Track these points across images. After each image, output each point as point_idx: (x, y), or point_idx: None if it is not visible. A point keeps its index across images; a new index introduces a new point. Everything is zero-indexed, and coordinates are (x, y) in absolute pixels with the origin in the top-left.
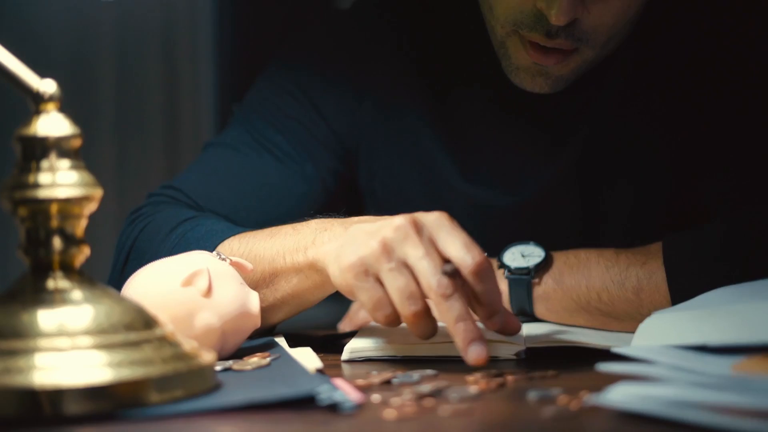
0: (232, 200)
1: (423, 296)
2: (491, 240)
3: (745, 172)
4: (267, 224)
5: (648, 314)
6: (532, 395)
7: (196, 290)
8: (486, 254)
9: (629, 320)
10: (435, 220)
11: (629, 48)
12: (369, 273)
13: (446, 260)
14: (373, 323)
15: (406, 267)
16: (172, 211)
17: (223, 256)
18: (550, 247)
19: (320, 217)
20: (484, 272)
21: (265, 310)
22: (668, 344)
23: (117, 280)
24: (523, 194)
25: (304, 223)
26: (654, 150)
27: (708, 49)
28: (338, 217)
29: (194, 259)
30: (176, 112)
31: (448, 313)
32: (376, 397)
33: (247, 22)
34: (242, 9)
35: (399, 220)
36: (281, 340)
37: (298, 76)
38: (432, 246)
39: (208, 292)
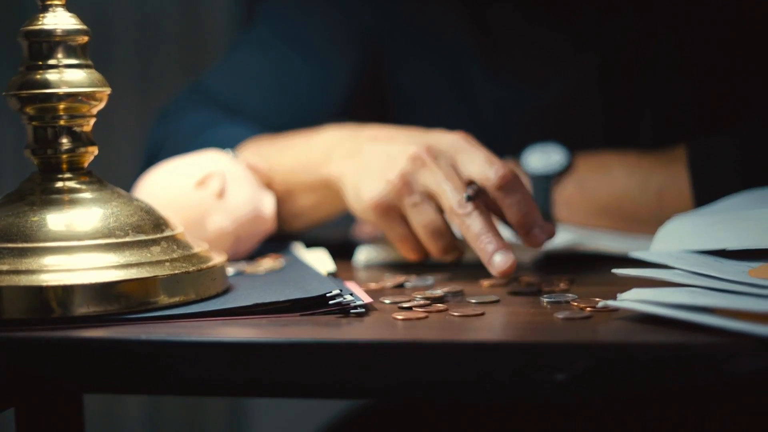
0: (259, 100)
1: (449, 230)
2: (516, 141)
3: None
4: (294, 123)
5: (670, 217)
6: (546, 299)
7: (209, 192)
8: (511, 168)
9: (653, 222)
10: (452, 143)
11: None
12: (393, 210)
13: (470, 182)
14: None
15: (429, 198)
16: (199, 117)
17: (237, 156)
18: (576, 149)
19: (334, 123)
20: (509, 184)
21: (283, 220)
22: (687, 249)
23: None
24: (548, 95)
25: (316, 133)
26: (677, 57)
27: None
28: (351, 124)
29: (208, 160)
30: (194, 19)
31: (469, 231)
32: (386, 301)
33: None
34: None
35: (414, 148)
36: (298, 243)
37: None
38: (452, 169)
39: (221, 194)
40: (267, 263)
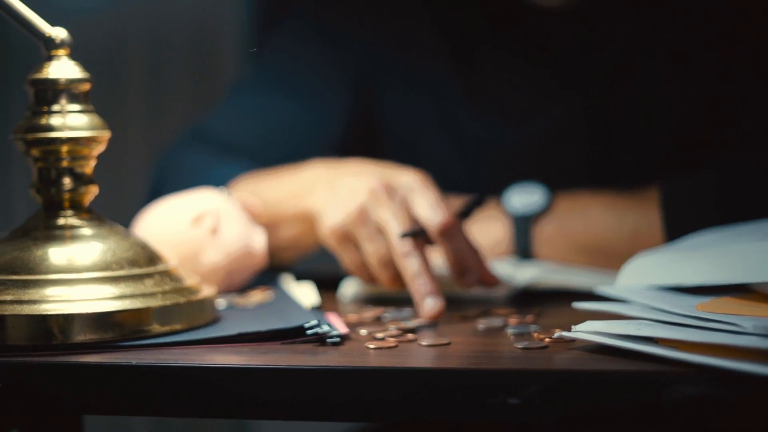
0: (256, 140)
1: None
2: (500, 179)
3: (744, 117)
4: (288, 161)
5: None
6: (510, 331)
7: (203, 229)
8: (453, 215)
9: (627, 260)
10: (408, 182)
11: None
12: (349, 238)
13: (415, 222)
14: None
15: (381, 232)
16: (198, 156)
17: (231, 194)
18: (557, 187)
19: (320, 158)
20: (448, 231)
21: (273, 250)
22: (647, 284)
23: (146, 202)
24: (531, 132)
25: (303, 167)
26: (659, 95)
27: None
28: (337, 158)
29: (203, 199)
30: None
31: (405, 272)
32: (363, 331)
33: None
34: None
35: (374, 183)
36: (288, 277)
37: (317, 13)
38: (402, 208)
39: (215, 231)
40: (256, 296)
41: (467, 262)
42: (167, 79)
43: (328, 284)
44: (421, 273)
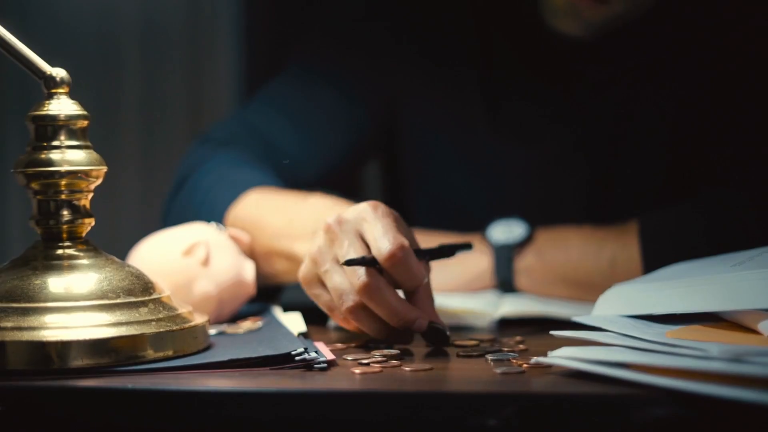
0: (290, 132)
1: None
2: (507, 193)
3: (732, 152)
4: (318, 157)
5: None
6: (490, 357)
7: (194, 260)
8: (402, 244)
9: (603, 291)
10: (358, 213)
11: (649, 23)
12: (314, 281)
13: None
14: None
15: (340, 266)
16: (224, 153)
17: (222, 228)
18: (559, 207)
19: (323, 192)
20: (395, 260)
21: (265, 277)
22: (621, 314)
23: (171, 202)
24: (541, 153)
25: (305, 202)
26: (661, 127)
27: (721, 31)
28: (339, 198)
29: (194, 231)
30: (200, 95)
31: (374, 308)
32: (348, 358)
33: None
34: None
35: (327, 221)
36: (277, 308)
37: (357, 28)
38: (357, 239)
39: (206, 262)
40: (246, 324)
41: (413, 296)
42: (162, 116)
43: (315, 315)
44: (391, 306)
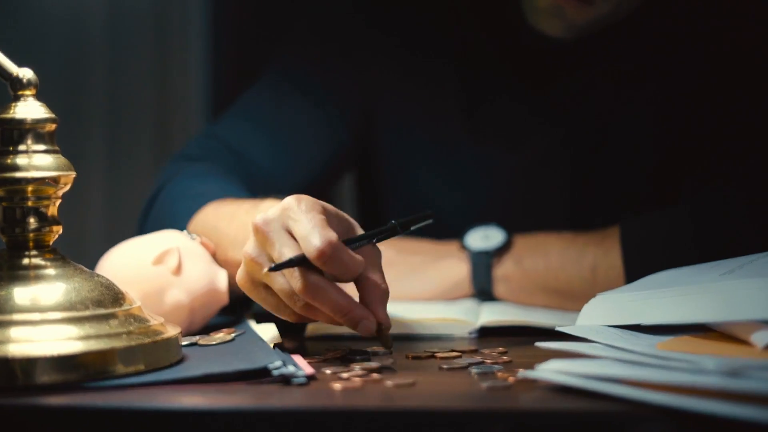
0: (265, 145)
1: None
2: (487, 199)
3: (717, 156)
4: (294, 170)
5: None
6: (474, 370)
7: (166, 268)
8: (330, 240)
9: (585, 299)
10: (282, 210)
11: (632, 25)
12: (255, 282)
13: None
14: None
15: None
16: (194, 167)
17: (193, 236)
18: (539, 213)
19: (276, 197)
20: (325, 258)
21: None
22: (607, 324)
23: (144, 215)
24: (520, 157)
25: (257, 208)
26: (643, 133)
27: (704, 41)
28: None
29: (165, 238)
30: (167, 104)
31: (323, 307)
32: (327, 371)
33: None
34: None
35: (254, 222)
36: (250, 319)
37: (333, 32)
38: (287, 237)
39: (178, 270)
40: (220, 336)
41: (362, 291)
42: (128, 122)
43: (290, 324)
44: (340, 305)
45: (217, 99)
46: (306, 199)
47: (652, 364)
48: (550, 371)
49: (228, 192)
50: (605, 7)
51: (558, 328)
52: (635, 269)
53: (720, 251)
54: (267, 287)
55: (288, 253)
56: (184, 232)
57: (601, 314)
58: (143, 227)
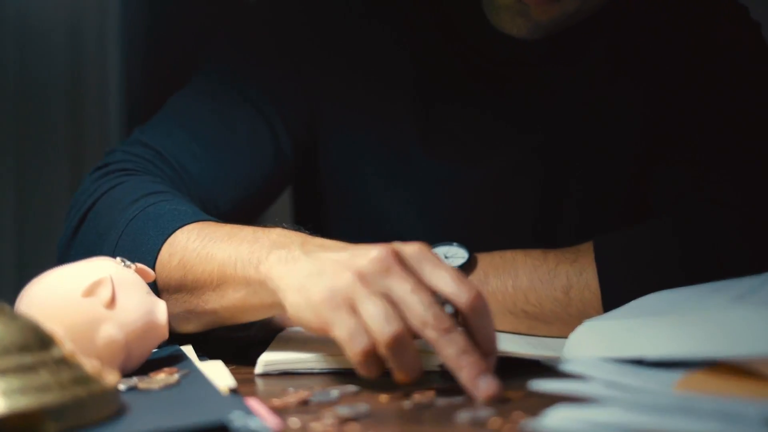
0: (202, 156)
1: (404, 318)
2: (447, 219)
3: (693, 170)
4: (234, 183)
5: (577, 314)
6: (463, 417)
7: (97, 300)
8: (479, 289)
9: (557, 322)
10: (417, 252)
11: (603, 34)
12: (345, 303)
13: (444, 300)
14: (291, 329)
15: (387, 297)
16: (140, 181)
17: (128, 263)
18: (504, 232)
19: (284, 227)
20: (481, 307)
21: (207, 313)
22: (602, 356)
23: (69, 240)
24: (483, 174)
25: (266, 230)
26: (616, 143)
27: (679, 42)
28: (303, 231)
29: (96, 266)
30: (81, 119)
31: (448, 348)
32: (294, 422)
33: (157, 21)
34: (154, 8)
35: (376, 252)
36: (189, 351)
37: (276, 31)
38: (419, 280)
39: (111, 302)
40: (160, 378)
41: (491, 344)
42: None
43: (234, 358)
44: (469, 350)
45: (132, 103)
46: (431, 248)
47: (676, 409)
48: (561, 423)
49: (199, 213)
50: (572, 5)
51: (545, 362)
52: (612, 290)
53: (709, 273)
54: (353, 309)
55: (419, 301)
56: (117, 258)
57: (593, 344)
58: (68, 251)
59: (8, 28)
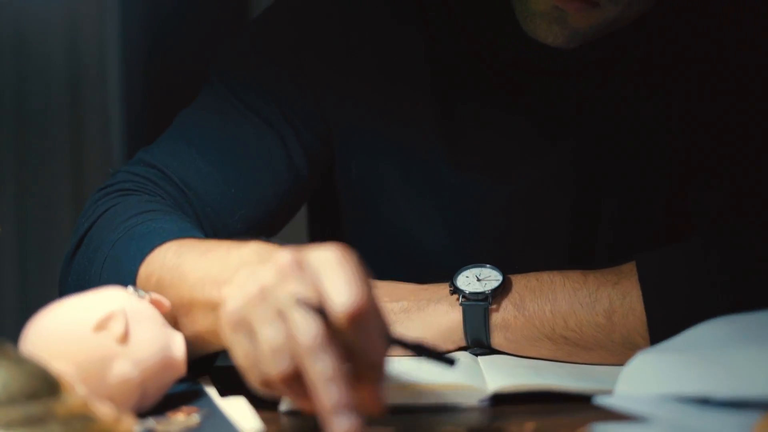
0: (209, 173)
1: (295, 354)
2: (476, 236)
3: (736, 187)
4: (245, 200)
5: (620, 341)
6: None
7: (109, 335)
8: (368, 301)
9: (598, 349)
10: (323, 257)
11: (638, 44)
12: (243, 327)
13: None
14: None
15: (282, 316)
16: (135, 200)
17: (142, 293)
18: (537, 250)
19: (262, 240)
20: (358, 318)
21: (189, 339)
22: (659, 393)
23: (67, 266)
24: (512, 188)
25: (240, 246)
26: (652, 156)
27: (716, 56)
28: (278, 243)
29: (107, 298)
30: (81, 122)
31: (309, 371)
32: None
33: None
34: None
35: (283, 259)
36: (210, 388)
37: (288, 40)
38: (312, 287)
39: (125, 337)
40: (180, 419)
41: (368, 363)
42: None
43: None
44: (334, 377)
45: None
46: (352, 255)
47: None
48: None
49: (187, 231)
50: (613, 10)
51: (598, 400)
52: (659, 315)
53: (758, 298)
54: (252, 333)
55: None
56: (130, 288)
57: (650, 380)
58: (68, 275)
59: (6, 32)
